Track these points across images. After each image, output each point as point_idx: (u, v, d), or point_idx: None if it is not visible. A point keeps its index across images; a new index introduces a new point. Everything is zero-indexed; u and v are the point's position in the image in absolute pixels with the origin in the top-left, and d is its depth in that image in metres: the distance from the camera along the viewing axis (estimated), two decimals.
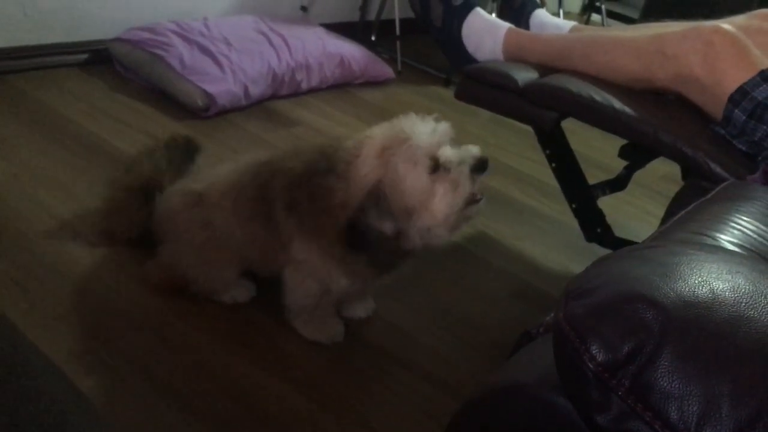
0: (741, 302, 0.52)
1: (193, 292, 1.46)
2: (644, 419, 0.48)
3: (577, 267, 1.90)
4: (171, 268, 1.45)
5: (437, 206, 1.18)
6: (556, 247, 2.00)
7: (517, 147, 2.60)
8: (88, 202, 1.75)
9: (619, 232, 1.88)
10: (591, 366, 0.50)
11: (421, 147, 1.17)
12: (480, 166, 1.20)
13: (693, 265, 0.55)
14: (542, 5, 3.46)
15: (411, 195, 1.17)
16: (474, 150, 1.22)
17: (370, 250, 1.21)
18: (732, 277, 0.54)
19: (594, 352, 0.50)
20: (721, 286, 0.53)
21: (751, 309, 0.51)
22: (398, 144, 1.17)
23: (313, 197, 1.25)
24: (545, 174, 2.08)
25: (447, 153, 1.19)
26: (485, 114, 2.81)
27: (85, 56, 2.58)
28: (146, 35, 2.51)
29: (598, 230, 1.83)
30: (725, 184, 1.11)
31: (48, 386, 0.52)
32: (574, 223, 1.86)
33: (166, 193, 1.52)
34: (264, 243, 1.38)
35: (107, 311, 1.42)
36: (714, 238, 0.82)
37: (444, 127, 1.22)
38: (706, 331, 0.49)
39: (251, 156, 1.45)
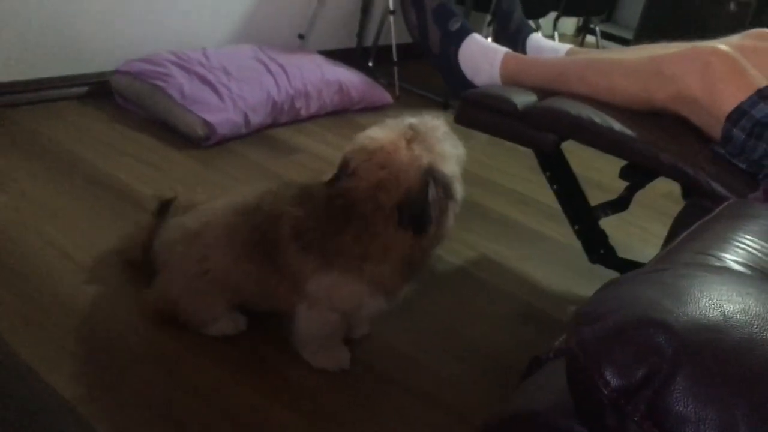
0: (753, 324, 0.52)
1: (182, 322, 1.46)
2: None
3: (581, 289, 1.90)
4: (164, 298, 1.46)
5: (447, 225, 1.33)
6: (560, 269, 2.00)
7: (517, 169, 2.61)
8: (93, 234, 1.75)
9: (622, 253, 1.88)
10: (605, 392, 0.50)
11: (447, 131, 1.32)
12: None
13: (703, 288, 0.55)
14: (537, 29, 3.50)
15: (452, 168, 1.30)
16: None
17: (429, 224, 1.26)
18: (742, 299, 0.54)
19: (608, 377, 0.50)
20: (732, 309, 0.53)
21: (764, 331, 0.51)
22: (430, 132, 1.30)
23: (338, 223, 1.27)
24: (546, 196, 2.08)
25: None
26: (483, 137, 2.82)
27: (85, 89, 2.60)
28: (146, 66, 2.53)
29: (601, 251, 1.84)
30: (727, 203, 1.11)
31: (62, 424, 0.52)
32: (577, 245, 1.86)
33: (167, 225, 1.53)
34: (266, 284, 1.38)
35: (116, 345, 1.42)
36: (719, 258, 0.82)
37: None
38: (719, 354, 0.49)
39: (241, 194, 1.45)
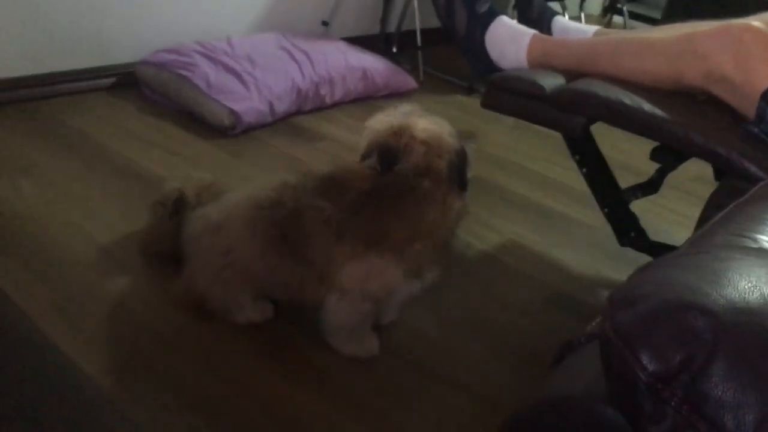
0: None
1: (209, 310, 1.47)
2: (700, 430, 0.47)
3: (610, 273, 1.88)
4: (191, 287, 1.47)
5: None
6: (588, 253, 1.98)
7: (543, 153, 2.59)
8: (121, 223, 1.77)
9: (653, 236, 1.86)
10: (642, 377, 0.49)
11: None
12: None
13: (741, 270, 0.54)
14: (563, 10, 3.45)
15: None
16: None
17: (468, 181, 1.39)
18: None
19: (645, 362, 0.49)
20: None
21: None
22: (419, 113, 1.41)
23: (383, 206, 1.30)
24: (573, 179, 2.06)
25: None
26: (509, 121, 2.80)
27: (112, 80, 2.62)
28: (171, 57, 2.54)
29: (632, 234, 1.81)
30: (762, 183, 1.09)
31: (97, 411, 0.52)
32: (606, 228, 1.84)
33: (192, 216, 1.54)
34: (290, 276, 1.39)
35: (145, 333, 1.44)
36: (755, 240, 0.80)
37: None
38: (759, 337, 0.48)
39: (260, 185, 1.45)
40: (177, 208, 1.59)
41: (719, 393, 0.47)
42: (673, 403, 0.48)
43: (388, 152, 1.31)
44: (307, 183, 1.37)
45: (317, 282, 1.37)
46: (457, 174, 1.34)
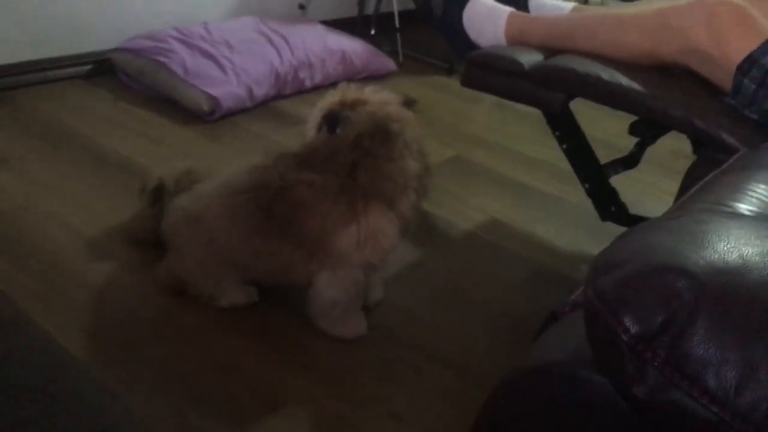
0: None
1: (192, 295, 1.47)
2: (682, 388, 0.48)
3: (592, 247, 1.90)
4: (173, 273, 1.48)
5: None
6: (570, 229, 1.99)
7: (524, 131, 2.60)
8: (101, 211, 1.76)
9: (633, 210, 1.88)
10: (625, 339, 0.50)
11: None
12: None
13: (720, 232, 0.55)
14: None
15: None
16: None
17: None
18: (761, 242, 0.54)
19: (627, 324, 0.50)
20: (750, 251, 0.53)
21: None
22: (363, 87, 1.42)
23: (364, 163, 1.31)
24: (553, 156, 2.08)
25: None
26: (490, 100, 2.80)
27: (88, 68, 2.59)
28: (148, 43, 2.52)
29: (613, 209, 1.83)
30: (739, 154, 1.10)
31: (88, 394, 0.52)
32: (587, 204, 1.86)
33: (171, 205, 1.53)
34: (277, 257, 1.38)
35: (133, 320, 1.43)
36: (733, 208, 0.81)
37: None
38: (738, 296, 0.49)
39: (236, 173, 1.44)
40: (156, 195, 1.58)
41: (700, 352, 0.48)
42: (655, 364, 0.49)
43: (334, 117, 1.35)
44: (287, 161, 1.37)
45: (307, 260, 1.36)
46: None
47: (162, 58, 2.44)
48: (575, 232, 1.98)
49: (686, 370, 0.48)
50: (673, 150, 2.33)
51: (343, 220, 1.32)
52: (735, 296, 0.49)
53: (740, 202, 0.83)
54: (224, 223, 1.40)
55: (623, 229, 1.84)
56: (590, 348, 0.55)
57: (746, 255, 0.52)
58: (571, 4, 1.83)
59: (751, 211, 0.81)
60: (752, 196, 0.86)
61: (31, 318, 0.64)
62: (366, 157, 1.30)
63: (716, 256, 0.52)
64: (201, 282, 1.46)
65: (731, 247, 0.53)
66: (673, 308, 0.49)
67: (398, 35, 3.22)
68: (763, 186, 0.91)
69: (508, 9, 1.68)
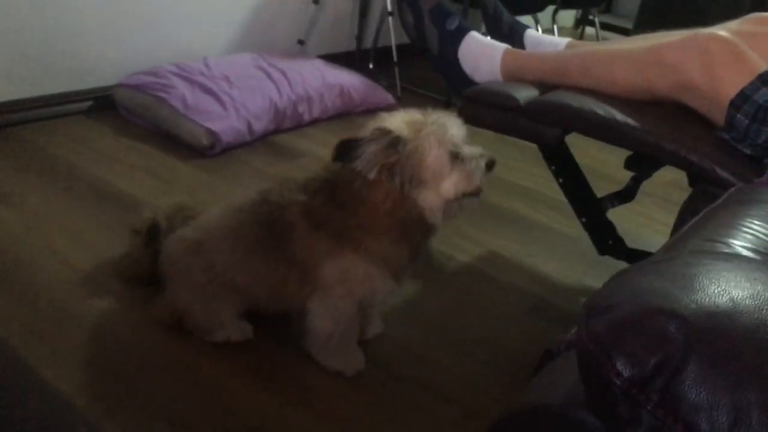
0: (762, 309, 0.52)
1: (188, 329, 1.47)
2: None
3: (591, 280, 1.90)
4: (171, 307, 1.48)
5: (445, 188, 1.29)
6: (569, 262, 2.00)
7: (522, 164, 2.61)
8: (101, 247, 1.76)
9: (631, 243, 1.88)
10: (618, 382, 0.50)
11: (452, 133, 1.29)
12: (491, 165, 1.35)
13: (711, 275, 0.56)
14: (536, 23, 3.49)
15: (428, 169, 1.27)
16: (483, 150, 1.35)
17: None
18: (750, 285, 0.55)
19: (620, 367, 0.50)
20: (740, 294, 0.53)
21: None
22: (431, 123, 1.29)
23: (348, 198, 1.29)
24: (552, 189, 2.08)
25: (467, 148, 1.32)
26: (487, 134, 2.82)
27: (89, 103, 2.62)
28: (148, 79, 2.55)
29: (610, 242, 1.84)
30: (734, 188, 1.11)
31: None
32: (586, 237, 1.86)
33: (168, 239, 1.54)
34: (274, 279, 1.39)
35: (128, 355, 1.43)
36: (728, 245, 0.82)
37: (464, 126, 1.35)
38: (729, 339, 0.50)
39: (240, 197, 1.46)
40: (152, 235, 1.59)
41: (693, 396, 0.48)
42: (648, 407, 0.49)
43: (346, 146, 1.27)
44: (291, 184, 1.39)
45: (301, 283, 1.37)
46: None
47: (162, 94, 2.47)
48: (575, 265, 1.98)
49: (679, 413, 0.48)
50: (670, 182, 2.35)
51: (326, 249, 1.33)
52: (725, 340, 0.49)
53: (734, 238, 0.84)
54: (224, 246, 1.41)
55: (622, 263, 1.85)
56: (584, 389, 0.56)
57: (737, 298, 0.53)
58: (566, 40, 1.86)
59: (745, 247, 0.82)
60: (746, 233, 0.87)
61: (27, 360, 0.64)
62: (335, 201, 1.31)
63: (707, 300, 0.52)
64: (198, 313, 1.46)
65: (722, 290, 0.53)
66: (665, 352, 0.49)
67: (396, 69, 3.26)
68: (757, 222, 0.92)
69: (503, 46, 1.70)
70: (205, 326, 1.47)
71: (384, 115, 1.32)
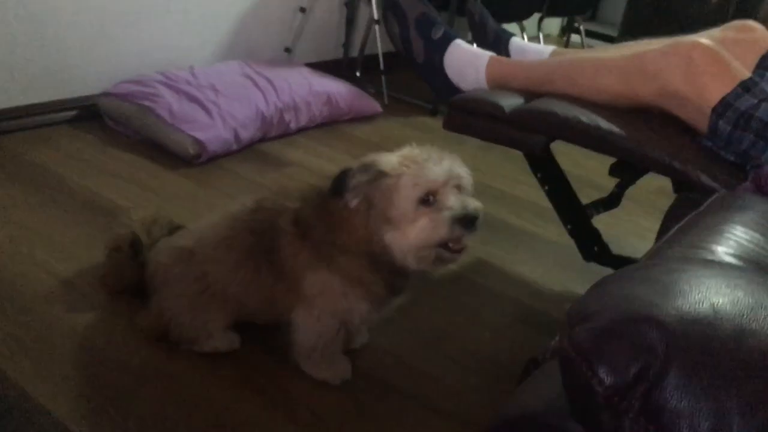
0: (742, 315, 0.52)
1: (174, 340, 1.46)
2: None
3: (577, 287, 1.91)
4: (159, 317, 1.46)
5: (412, 233, 1.23)
6: (555, 269, 2.00)
7: (508, 172, 2.62)
8: (86, 257, 1.75)
9: (616, 249, 1.89)
10: (600, 390, 0.50)
11: (427, 176, 1.22)
12: (465, 220, 1.23)
13: (692, 282, 0.56)
14: (522, 30, 3.51)
15: (395, 209, 1.23)
16: (474, 204, 1.26)
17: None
18: (731, 291, 0.55)
19: (602, 375, 0.50)
20: (721, 301, 0.53)
21: (753, 321, 0.51)
22: (412, 162, 1.24)
23: (330, 214, 1.28)
24: (538, 197, 2.09)
25: (446, 194, 1.24)
26: (474, 141, 2.83)
27: (74, 113, 2.60)
28: (134, 88, 2.54)
29: (596, 249, 1.84)
30: (717, 195, 1.12)
31: None
32: (572, 244, 1.87)
33: (157, 247, 1.53)
34: (264, 288, 1.39)
35: (113, 367, 1.42)
36: (711, 251, 0.82)
37: (459, 171, 1.27)
38: (710, 347, 0.50)
39: (235, 205, 1.46)
40: (135, 250, 1.57)
41: (674, 403, 0.48)
42: (630, 415, 0.49)
43: (341, 178, 1.26)
44: (286, 192, 1.40)
45: (287, 293, 1.36)
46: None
47: (148, 103, 2.46)
48: (562, 272, 1.99)
49: (661, 421, 0.48)
50: (656, 189, 2.36)
51: (307, 260, 1.33)
52: (706, 347, 0.49)
53: (718, 244, 0.85)
54: (218, 254, 1.40)
55: (608, 269, 1.86)
56: (566, 398, 0.56)
57: (717, 305, 0.53)
58: (551, 48, 1.87)
59: (728, 254, 0.82)
60: (730, 239, 0.88)
61: (15, 376, 0.63)
62: (322, 208, 1.31)
63: (688, 307, 0.52)
64: (186, 323, 1.44)
65: (702, 297, 0.54)
66: (646, 359, 0.50)
67: (383, 77, 3.26)
68: (740, 228, 0.92)
69: (488, 53, 1.71)
70: (193, 336, 1.46)
71: (392, 152, 1.28)
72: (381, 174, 1.23)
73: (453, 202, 1.23)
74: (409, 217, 1.23)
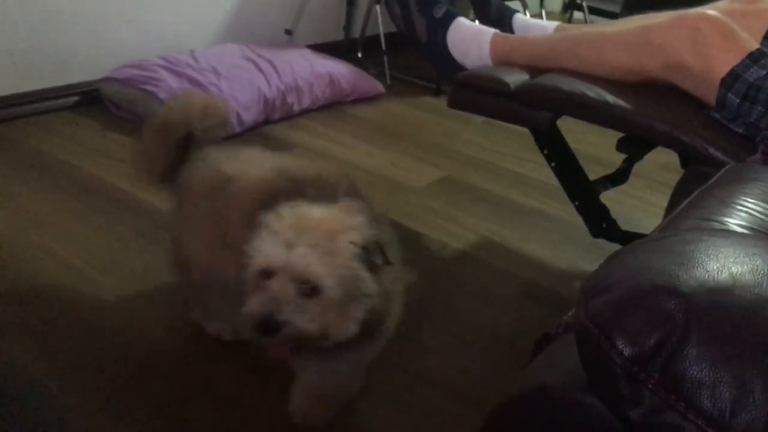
0: (761, 284, 0.52)
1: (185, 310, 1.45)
2: (678, 410, 0.48)
3: (586, 264, 1.90)
4: (177, 249, 1.35)
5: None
6: (563, 246, 1.99)
7: (514, 149, 2.61)
8: (92, 243, 1.75)
9: (624, 225, 1.88)
10: (618, 362, 0.50)
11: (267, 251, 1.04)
12: (266, 329, 1.01)
13: (710, 251, 0.55)
14: (525, 8, 3.48)
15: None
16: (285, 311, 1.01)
17: None
18: (750, 260, 0.54)
19: (620, 347, 0.50)
20: (740, 270, 0.53)
21: None
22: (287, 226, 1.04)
23: None
24: (544, 174, 2.08)
25: (277, 282, 1.02)
26: (479, 119, 2.82)
27: (75, 98, 2.59)
28: (135, 72, 2.52)
29: (604, 225, 1.83)
30: (726, 167, 1.11)
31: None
32: (580, 221, 1.86)
33: (198, 161, 1.34)
34: None
35: (124, 357, 1.41)
36: (722, 223, 0.82)
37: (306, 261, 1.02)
38: (729, 315, 0.49)
39: (291, 158, 1.33)
40: (185, 141, 1.37)
41: (694, 373, 0.48)
42: (650, 386, 0.49)
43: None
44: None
45: None
46: None
47: (150, 87, 2.45)
48: (569, 249, 1.98)
49: (681, 391, 0.48)
50: (662, 164, 2.35)
51: None
52: (726, 315, 0.49)
53: (729, 216, 0.84)
54: (246, 203, 1.18)
55: (617, 245, 1.85)
56: (584, 371, 0.55)
57: (736, 273, 0.52)
58: (555, 23, 1.85)
59: (739, 225, 0.81)
60: (741, 211, 0.87)
61: (25, 363, 0.63)
62: None
63: (706, 276, 0.52)
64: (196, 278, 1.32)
65: (721, 266, 0.53)
66: (665, 329, 0.49)
67: (385, 57, 3.24)
68: (751, 200, 0.91)
69: (492, 30, 1.69)
70: (201, 309, 1.44)
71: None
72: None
73: (276, 289, 1.02)
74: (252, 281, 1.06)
